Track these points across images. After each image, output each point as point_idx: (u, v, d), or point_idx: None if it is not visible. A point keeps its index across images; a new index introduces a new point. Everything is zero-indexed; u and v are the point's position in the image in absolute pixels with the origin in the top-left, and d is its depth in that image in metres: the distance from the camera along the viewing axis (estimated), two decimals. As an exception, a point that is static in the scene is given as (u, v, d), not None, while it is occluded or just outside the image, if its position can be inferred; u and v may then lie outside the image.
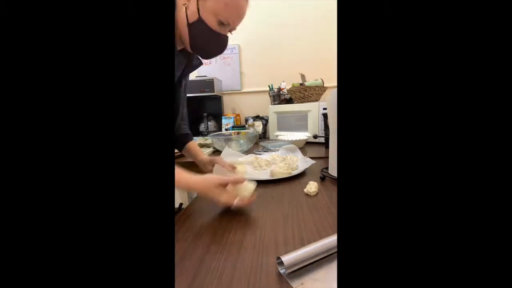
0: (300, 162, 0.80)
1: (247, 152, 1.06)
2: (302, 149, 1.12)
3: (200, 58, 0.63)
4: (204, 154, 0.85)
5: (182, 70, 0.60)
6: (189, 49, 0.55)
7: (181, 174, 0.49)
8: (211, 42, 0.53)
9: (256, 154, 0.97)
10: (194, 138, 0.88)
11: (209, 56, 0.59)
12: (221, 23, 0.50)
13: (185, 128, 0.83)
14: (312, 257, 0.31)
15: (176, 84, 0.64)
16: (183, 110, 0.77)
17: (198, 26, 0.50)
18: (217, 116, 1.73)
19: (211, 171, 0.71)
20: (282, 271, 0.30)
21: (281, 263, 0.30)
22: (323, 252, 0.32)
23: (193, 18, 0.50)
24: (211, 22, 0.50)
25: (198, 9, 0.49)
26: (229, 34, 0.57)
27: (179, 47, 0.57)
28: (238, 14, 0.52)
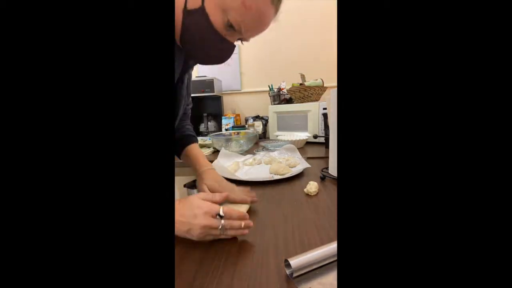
0: (299, 165, 0.80)
1: (247, 152, 1.06)
2: (302, 149, 1.12)
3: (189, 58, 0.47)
4: (204, 164, 0.61)
5: (182, 65, 0.47)
6: (178, 42, 0.40)
7: None
8: (209, 44, 0.39)
9: (255, 154, 0.97)
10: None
11: (201, 60, 0.45)
12: (229, 26, 0.36)
13: (188, 128, 0.67)
14: (320, 261, 0.31)
15: (177, 82, 0.51)
16: (187, 107, 0.66)
17: (196, 17, 0.36)
18: (217, 116, 1.73)
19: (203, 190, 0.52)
20: (289, 274, 0.30)
21: (288, 265, 0.30)
22: (332, 256, 0.31)
23: (193, 4, 0.35)
24: (217, 19, 0.36)
25: None
26: (237, 43, 0.42)
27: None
28: (256, 23, 0.37)
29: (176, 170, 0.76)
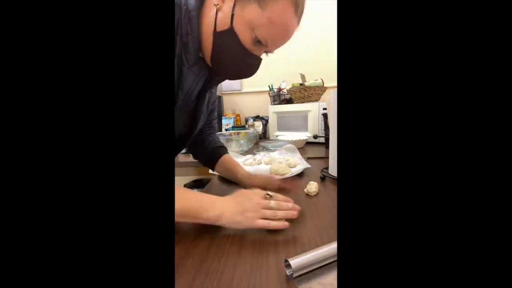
0: (300, 165, 0.80)
1: (247, 152, 1.06)
2: (302, 149, 1.12)
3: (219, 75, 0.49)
4: (244, 168, 0.68)
5: (203, 82, 0.48)
6: (208, 62, 0.44)
7: (191, 199, 0.41)
8: (238, 61, 0.42)
9: (255, 154, 0.97)
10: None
11: (231, 77, 0.48)
12: (257, 41, 0.40)
13: (217, 140, 0.73)
14: (320, 261, 0.31)
15: (198, 98, 0.53)
16: (213, 121, 0.72)
17: (226, 38, 0.39)
18: (217, 116, 1.73)
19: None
20: (289, 274, 0.30)
21: (288, 265, 0.29)
22: (332, 256, 0.31)
23: (223, 26, 0.39)
24: (245, 37, 0.39)
25: (232, 16, 0.38)
26: (263, 56, 0.46)
27: (201, 55, 0.45)
28: (282, 35, 0.41)
29: (176, 170, 0.76)
